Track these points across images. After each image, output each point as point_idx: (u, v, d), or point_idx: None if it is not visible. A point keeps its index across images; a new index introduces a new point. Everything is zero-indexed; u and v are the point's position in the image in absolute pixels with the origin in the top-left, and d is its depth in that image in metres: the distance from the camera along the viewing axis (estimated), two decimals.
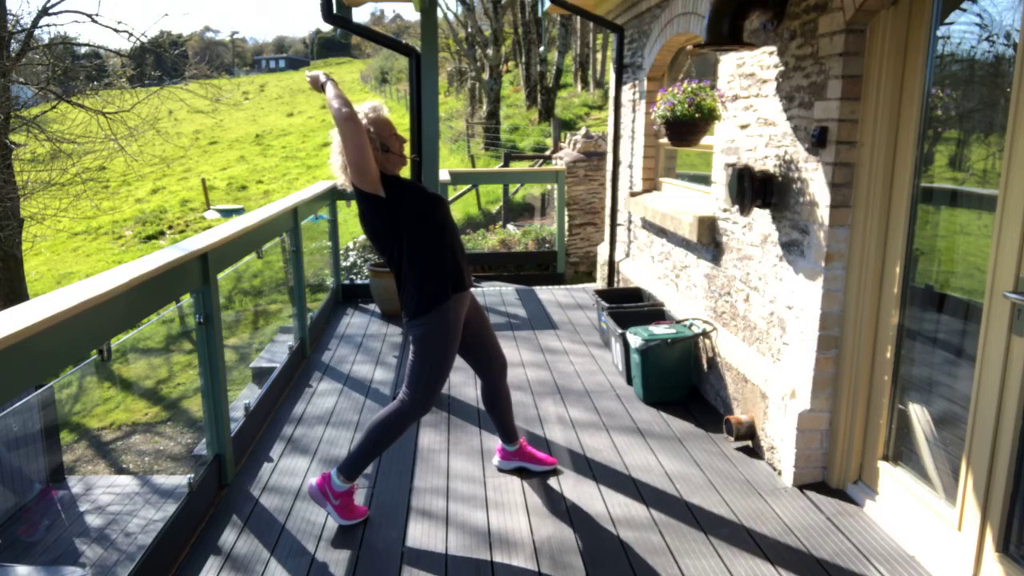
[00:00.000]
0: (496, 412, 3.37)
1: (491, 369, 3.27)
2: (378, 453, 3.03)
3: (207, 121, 36.40)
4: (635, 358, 4.28)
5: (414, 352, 2.96)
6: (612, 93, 6.60)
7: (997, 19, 2.43)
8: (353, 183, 2.87)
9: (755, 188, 3.44)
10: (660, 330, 4.28)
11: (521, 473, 3.46)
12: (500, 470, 3.48)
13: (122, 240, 22.36)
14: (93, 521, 4.54)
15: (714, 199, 4.29)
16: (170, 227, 22.91)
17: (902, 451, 2.96)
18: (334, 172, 2.97)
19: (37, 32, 12.76)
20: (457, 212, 16.96)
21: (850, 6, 2.78)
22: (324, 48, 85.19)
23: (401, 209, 2.87)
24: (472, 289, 3.18)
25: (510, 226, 12.66)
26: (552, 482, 3.37)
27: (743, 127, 3.82)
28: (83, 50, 14.95)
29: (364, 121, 2.86)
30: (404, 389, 2.99)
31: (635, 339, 4.22)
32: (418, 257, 2.89)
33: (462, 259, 3.02)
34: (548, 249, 10.26)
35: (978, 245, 2.54)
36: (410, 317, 2.95)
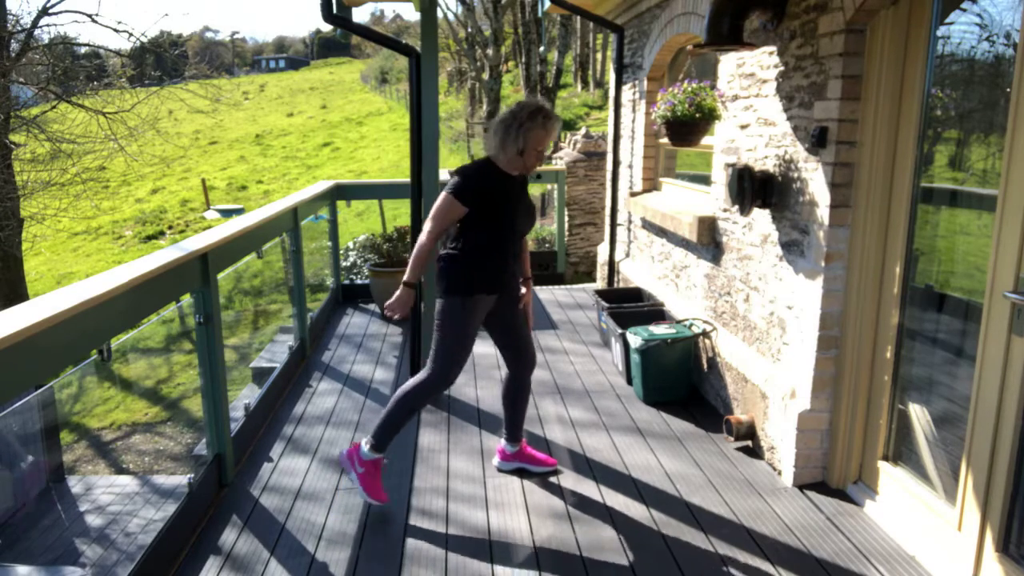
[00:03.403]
0: (512, 406, 3.42)
1: (518, 363, 3.35)
2: (404, 422, 3.18)
3: (207, 121, 36.40)
4: (635, 358, 4.28)
5: (435, 325, 3.14)
6: (612, 93, 6.59)
7: (997, 19, 2.43)
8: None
9: (755, 188, 3.44)
10: (660, 330, 4.28)
11: (521, 473, 3.46)
12: (500, 470, 3.48)
13: (122, 240, 22.36)
14: (93, 521, 4.54)
15: (714, 199, 4.29)
16: (170, 227, 22.91)
17: (902, 451, 2.96)
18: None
19: (37, 32, 12.77)
20: None
21: (850, 6, 2.78)
22: (324, 48, 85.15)
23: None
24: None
25: None
26: (552, 482, 3.37)
27: (743, 127, 3.82)
28: (83, 50, 14.96)
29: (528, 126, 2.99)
30: (429, 360, 3.15)
31: (635, 339, 4.22)
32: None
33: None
34: (548, 249, 10.25)
35: (978, 245, 2.54)
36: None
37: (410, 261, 3.08)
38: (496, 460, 3.52)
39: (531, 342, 3.37)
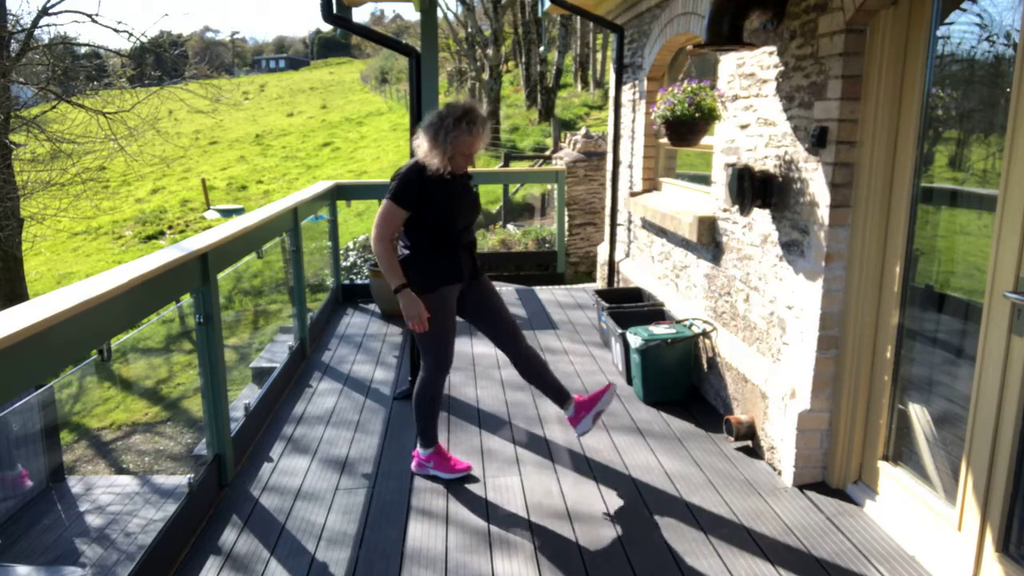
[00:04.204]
0: (537, 378, 3.45)
1: (507, 340, 3.39)
2: (432, 416, 3.39)
3: (207, 121, 36.37)
4: (635, 358, 4.28)
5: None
6: (612, 93, 6.59)
7: (997, 19, 2.43)
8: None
9: (755, 188, 3.44)
10: (660, 330, 4.28)
11: (521, 473, 3.46)
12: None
13: (122, 240, 22.35)
14: (93, 521, 4.53)
15: (714, 199, 4.29)
16: (170, 227, 22.91)
17: (902, 451, 2.96)
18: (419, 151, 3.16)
19: (37, 32, 12.76)
20: None
21: (850, 6, 2.78)
22: (324, 48, 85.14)
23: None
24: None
25: (510, 226, 12.65)
26: (552, 482, 3.37)
27: (743, 127, 3.82)
28: (83, 50, 14.95)
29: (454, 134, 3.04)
30: (422, 359, 3.35)
31: (635, 339, 4.22)
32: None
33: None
34: (548, 249, 10.26)
35: (978, 245, 2.54)
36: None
37: (384, 271, 3.14)
38: (576, 431, 3.47)
39: (511, 319, 3.43)
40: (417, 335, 3.27)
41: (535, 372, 3.45)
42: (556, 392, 3.46)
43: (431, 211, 3.14)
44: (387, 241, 3.12)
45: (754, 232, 3.73)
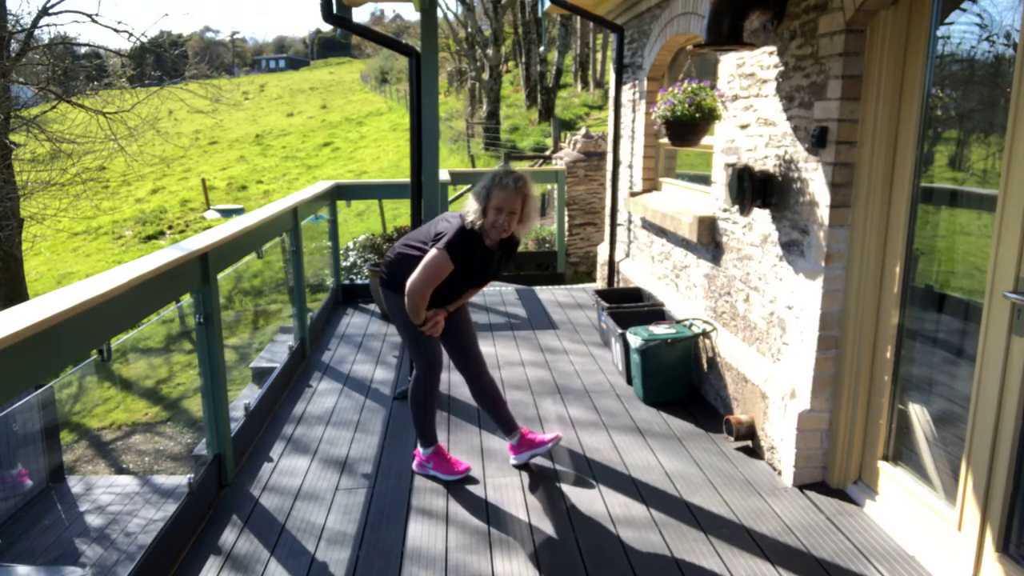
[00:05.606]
0: (489, 407, 3.53)
1: (466, 368, 3.49)
2: (429, 415, 3.43)
3: (207, 121, 36.36)
4: (635, 358, 4.28)
5: (397, 324, 3.36)
6: (612, 93, 6.59)
7: (997, 19, 2.43)
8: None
9: (755, 188, 3.44)
10: (660, 330, 4.28)
11: (521, 473, 3.46)
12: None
13: (122, 240, 22.36)
14: (93, 521, 4.53)
15: (714, 199, 4.29)
16: (170, 227, 22.92)
17: (902, 451, 2.96)
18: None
19: (37, 32, 12.76)
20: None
21: (850, 6, 2.78)
22: (324, 48, 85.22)
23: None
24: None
25: None
26: (552, 482, 3.37)
27: (743, 127, 3.82)
28: (83, 50, 14.96)
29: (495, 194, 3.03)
30: (413, 360, 3.42)
31: (635, 339, 4.22)
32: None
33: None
34: (548, 249, 10.27)
35: (978, 245, 2.54)
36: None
37: (412, 309, 3.12)
38: (511, 459, 3.55)
39: (479, 350, 3.51)
40: (404, 339, 3.36)
41: (490, 403, 3.51)
42: (505, 423, 3.52)
43: (461, 271, 3.11)
44: (428, 292, 3.09)
45: (754, 232, 3.73)
